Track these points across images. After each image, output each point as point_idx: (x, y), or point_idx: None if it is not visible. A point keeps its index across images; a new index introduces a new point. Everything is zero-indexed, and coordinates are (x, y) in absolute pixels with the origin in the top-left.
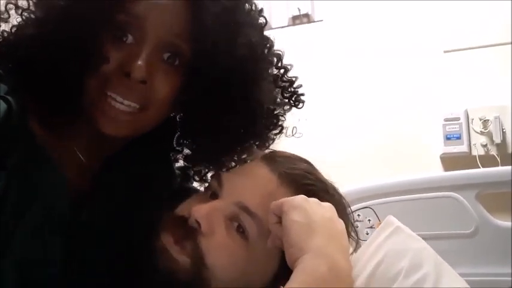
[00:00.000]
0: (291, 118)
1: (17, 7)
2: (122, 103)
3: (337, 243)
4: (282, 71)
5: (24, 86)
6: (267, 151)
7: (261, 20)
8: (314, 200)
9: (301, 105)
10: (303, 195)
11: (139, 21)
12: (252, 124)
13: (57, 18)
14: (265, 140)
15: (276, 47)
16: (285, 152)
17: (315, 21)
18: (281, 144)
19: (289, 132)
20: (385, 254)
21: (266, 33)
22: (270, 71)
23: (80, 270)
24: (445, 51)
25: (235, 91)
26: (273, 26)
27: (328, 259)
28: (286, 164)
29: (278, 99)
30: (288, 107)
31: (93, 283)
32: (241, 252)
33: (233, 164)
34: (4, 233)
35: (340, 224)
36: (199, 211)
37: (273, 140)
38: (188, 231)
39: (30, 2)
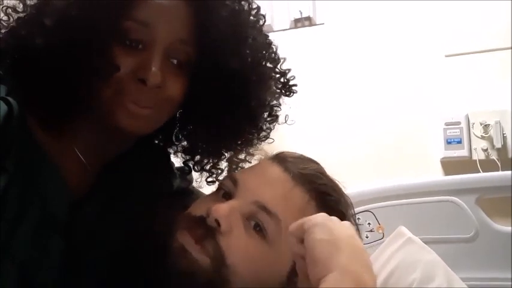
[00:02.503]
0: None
1: (15, 11)
2: (137, 106)
3: (361, 259)
4: (275, 63)
5: (27, 88)
6: (276, 152)
7: (261, 19)
8: (334, 218)
9: (292, 94)
10: (323, 213)
11: (147, 27)
12: (252, 119)
13: (64, 26)
14: (263, 130)
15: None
16: (294, 153)
17: (316, 24)
18: (282, 147)
19: (282, 120)
20: (397, 265)
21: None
22: (271, 71)
23: (80, 271)
24: (446, 56)
25: (240, 91)
26: (274, 29)
27: (354, 276)
28: (298, 165)
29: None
30: (278, 95)
31: (92, 283)
32: (260, 250)
33: (232, 153)
34: (5, 234)
35: (360, 240)
36: (219, 211)
37: (271, 130)
38: (207, 231)
39: (30, 3)
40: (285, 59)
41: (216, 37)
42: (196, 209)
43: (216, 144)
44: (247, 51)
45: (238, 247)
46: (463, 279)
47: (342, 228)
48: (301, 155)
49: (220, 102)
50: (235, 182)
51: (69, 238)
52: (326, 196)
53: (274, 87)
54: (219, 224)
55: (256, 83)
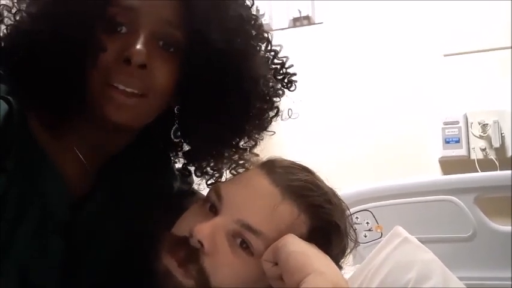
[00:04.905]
0: (286, 101)
1: (9, 11)
2: (123, 91)
3: (332, 265)
4: (272, 53)
5: (24, 85)
6: (265, 159)
7: (248, 1)
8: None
9: (293, 87)
10: (292, 234)
11: (131, 12)
12: (247, 104)
13: (49, 16)
14: (262, 123)
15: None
16: (284, 161)
17: (315, 24)
18: (281, 147)
19: (285, 115)
20: (393, 265)
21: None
22: (261, 49)
23: (80, 271)
24: (444, 55)
25: (229, 69)
26: (273, 28)
27: (329, 276)
28: (287, 175)
29: (271, 83)
30: (281, 91)
31: (92, 284)
32: (247, 268)
33: (233, 154)
34: (5, 234)
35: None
36: (201, 231)
37: (270, 122)
38: (190, 253)
39: (22, 2)
40: (281, 47)
41: (199, 12)
42: (180, 228)
43: (214, 140)
44: (233, 24)
45: (224, 267)
46: (461, 279)
47: (309, 244)
48: (292, 163)
49: (213, 86)
50: (219, 196)
51: (69, 238)
52: (318, 209)
53: (270, 75)
54: (202, 245)
55: (246, 58)
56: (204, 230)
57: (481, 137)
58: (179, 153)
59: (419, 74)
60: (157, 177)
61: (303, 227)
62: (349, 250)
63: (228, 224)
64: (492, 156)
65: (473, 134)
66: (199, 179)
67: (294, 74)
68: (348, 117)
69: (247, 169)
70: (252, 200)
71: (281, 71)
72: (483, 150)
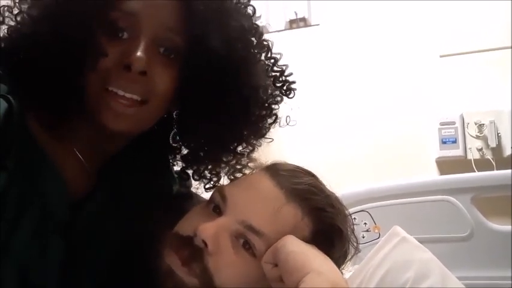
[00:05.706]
0: (284, 107)
1: (10, 11)
2: (123, 96)
3: (331, 265)
4: (272, 61)
5: (24, 86)
6: (269, 162)
7: (250, 10)
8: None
9: (292, 94)
10: (291, 235)
11: (133, 17)
12: (246, 110)
13: (51, 18)
14: (260, 129)
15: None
16: (288, 164)
17: (311, 25)
18: (279, 148)
19: (283, 122)
20: (392, 265)
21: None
22: (261, 57)
23: (80, 271)
24: (441, 56)
25: (229, 76)
26: (270, 30)
27: (328, 276)
28: (291, 179)
29: (270, 90)
30: (280, 98)
31: (92, 284)
32: (249, 268)
33: (231, 158)
34: (5, 234)
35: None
36: (205, 231)
37: (268, 129)
38: (194, 252)
39: (24, 3)
40: (281, 55)
41: (200, 20)
42: (184, 228)
43: (213, 142)
44: (234, 34)
45: (227, 267)
46: (459, 278)
47: (308, 245)
48: (296, 167)
49: (212, 91)
50: (223, 197)
51: (69, 238)
52: (321, 212)
53: (271, 85)
54: (206, 245)
55: (246, 67)
56: (208, 230)
57: (477, 137)
58: (177, 156)
59: (415, 75)
60: (157, 177)
61: (306, 230)
62: (350, 256)
63: (231, 224)
64: (489, 156)
65: (469, 134)
66: (197, 182)
67: (294, 82)
68: (344, 118)
69: (245, 174)
70: (256, 202)
71: (280, 79)
72: (480, 150)
